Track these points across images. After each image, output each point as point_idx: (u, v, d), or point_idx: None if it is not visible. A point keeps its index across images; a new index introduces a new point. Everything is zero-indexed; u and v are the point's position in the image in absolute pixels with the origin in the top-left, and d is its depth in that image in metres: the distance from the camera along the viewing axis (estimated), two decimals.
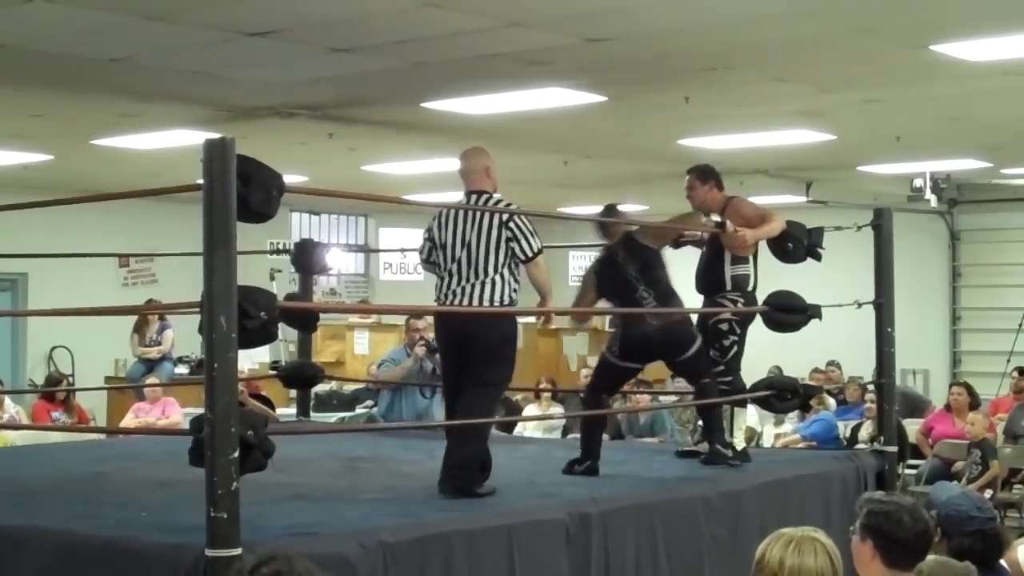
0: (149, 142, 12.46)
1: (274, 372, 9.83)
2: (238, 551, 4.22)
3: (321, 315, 10.03)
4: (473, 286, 6.14)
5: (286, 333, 10.78)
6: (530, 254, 6.18)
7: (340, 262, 20.13)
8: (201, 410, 4.51)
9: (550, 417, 13.03)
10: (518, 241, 6.15)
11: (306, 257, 9.09)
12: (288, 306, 6.42)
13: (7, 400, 13.09)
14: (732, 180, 15.65)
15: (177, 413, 12.60)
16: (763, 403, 7.81)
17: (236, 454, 4.32)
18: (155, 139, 12.30)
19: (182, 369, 15.59)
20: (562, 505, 5.78)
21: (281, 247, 11.72)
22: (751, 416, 13.09)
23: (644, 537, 5.99)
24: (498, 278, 6.14)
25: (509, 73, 9.28)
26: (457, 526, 5.24)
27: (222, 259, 4.37)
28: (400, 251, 19.31)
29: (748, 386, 7.44)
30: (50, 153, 13.40)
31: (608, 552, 5.76)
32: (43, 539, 4.96)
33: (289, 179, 4.87)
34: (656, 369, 11.92)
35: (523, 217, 6.25)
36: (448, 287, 6.23)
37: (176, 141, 12.18)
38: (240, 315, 4.41)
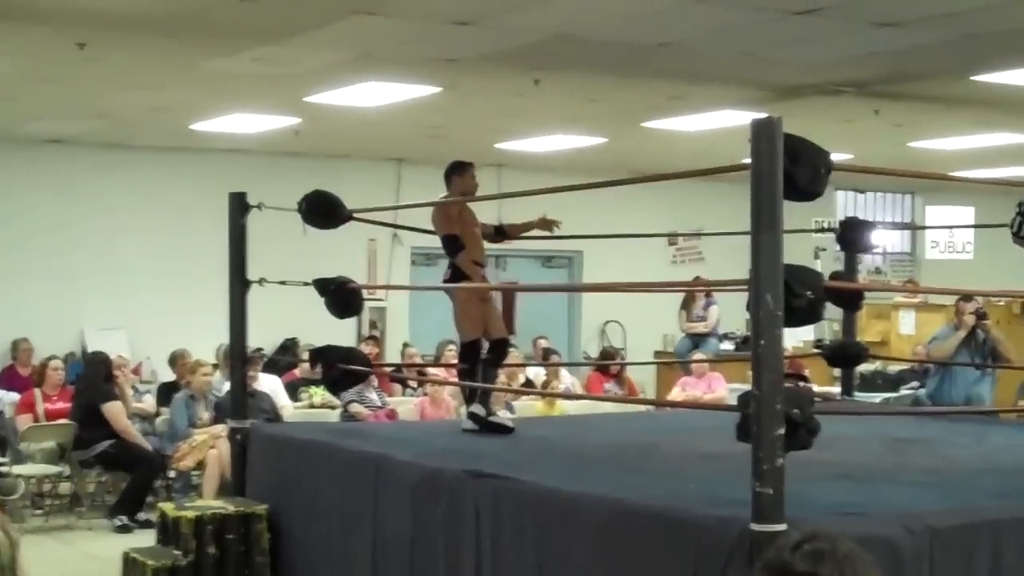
0: (696, 123, 12.73)
1: (818, 350, 9.81)
2: (783, 527, 4.27)
3: (866, 294, 9.90)
4: None
5: (830, 312, 10.72)
6: None
7: (885, 240, 19.73)
8: (746, 386, 4.60)
9: None
10: None
11: (852, 235, 9.02)
12: (834, 285, 6.41)
13: (564, 371, 13.79)
14: None
15: (723, 388, 12.81)
16: None
17: (782, 431, 4.38)
18: (702, 120, 12.54)
19: (727, 345, 15.82)
20: None
21: (826, 225, 11.61)
22: None
23: None
24: None
25: None
26: (1009, 514, 5.05)
27: (769, 238, 4.43)
28: (948, 228, 18.68)
29: None
30: (604, 136, 13.98)
31: None
32: (596, 504, 5.20)
33: (835, 157, 4.86)
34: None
35: None
36: None
37: (722, 122, 12.36)
38: (786, 293, 4.46)
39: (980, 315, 10.35)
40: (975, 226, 18.00)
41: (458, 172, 7.65)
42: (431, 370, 13.17)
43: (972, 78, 10.24)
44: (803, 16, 8.19)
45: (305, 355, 11.20)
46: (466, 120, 12.83)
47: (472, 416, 7.60)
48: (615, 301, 16.76)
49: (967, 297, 10.78)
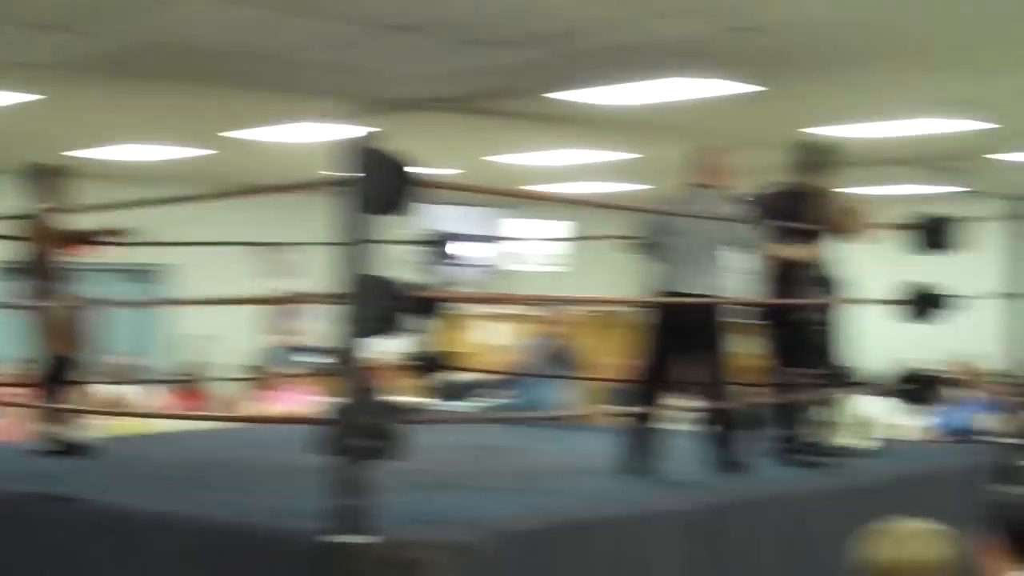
0: (290, 136, 12.64)
1: (405, 361, 9.91)
2: (367, 539, 4.27)
3: (451, 305, 10.09)
4: (702, 274, 6.53)
5: (417, 323, 10.86)
6: (753, 246, 6.73)
7: (471, 253, 20.21)
8: (334, 399, 4.57)
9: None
10: (738, 231, 6.63)
11: (439, 248, 9.16)
12: (422, 295, 6.47)
13: (149, 388, 13.40)
14: (878, 170, 15.49)
15: (311, 401, 12.75)
16: (898, 394, 7.69)
17: (368, 442, 4.37)
18: (296, 133, 12.47)
19: (316, 358, 15.79)
20: (697, 497, 5.75)
21: (414, 238, 11.77)
22: (880, 408, 12.89)
23: (783, 530, 5.94)
24: (724, 266, 6.57)
25: (649, 63, 9.21)
26: (593, 516, 5.24)
27: (357, 250, 4.44)
28: (531, 241, 19.37)
29: (886, 379, 7.33)
30: (195, 147, 13.68)
31: (739, 545, 5.71)
32: (179, 524, 5.07)
33: (423, 172, 4.90)
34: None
35: (746, 208, 6.76)
36: (677, 275, 6.58)
37: (316, 135, 12.33)
38: (373, 305, 4.47)
39: (558, 328, 10.81)
40: (557, 239, 18.75)
41: (44, 178, 7.39)
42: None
43: (550, 96, 10.60)
44: (395, 31, 8.26)
45: None
46: (43, 128, 12.26)
47: (49, 436, 7.27)
48: (203, 315, 16.39)
49: (549, 309, 11.19)
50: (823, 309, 7.12)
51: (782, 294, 6.94)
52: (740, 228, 6.66)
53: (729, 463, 6.47)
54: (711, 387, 6.63)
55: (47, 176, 7.37)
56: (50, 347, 7.34)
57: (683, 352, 6.58)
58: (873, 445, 7.63)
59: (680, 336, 6.54)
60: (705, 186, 6.78)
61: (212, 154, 14.06)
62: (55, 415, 7.29)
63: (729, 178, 6.83)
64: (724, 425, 6.56)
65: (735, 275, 6.73)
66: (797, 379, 7.01)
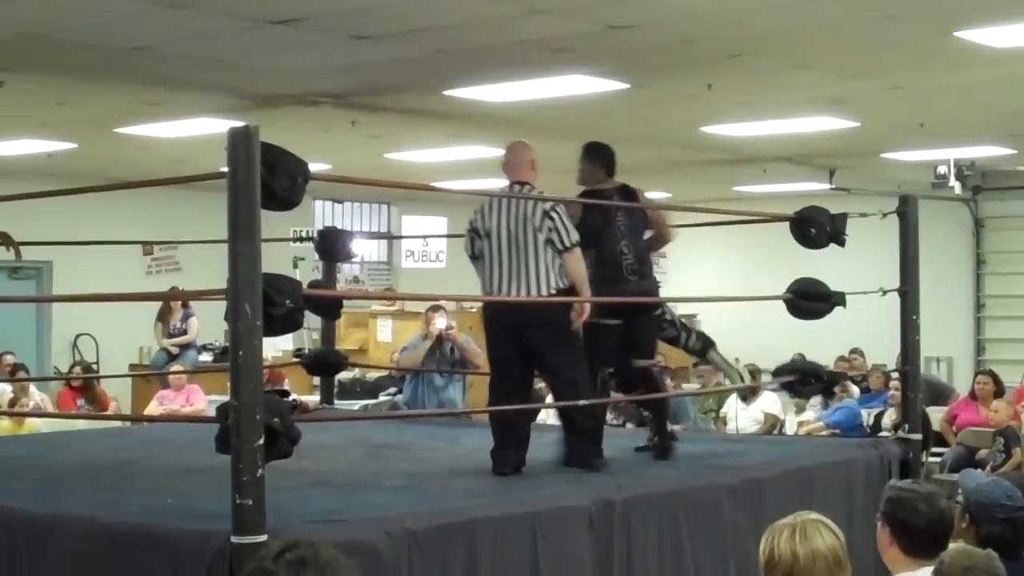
0: (173, 130, 12.50)
1: (298, 360, 9.86)
2: (263, 538, 4.24)
3: (344, 303, 10.04)
4: (523, 275, 6.26)
5: (310, 321, 10.80)
6: (568, 244, 6.28)
7: (363, 250, 20.16)
8: (226, 398, 4.53)
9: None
10: (558, 232, 6.26)
11: (330, 245, 9.10)
12: (313, 293, 6.42)
13: (32, 388, 13.17)
14: (755, 167, 15.78)
15: (202, 400, 12.64)
16: (787, 388, 7.80)
17: (262, 441, 4.34)
18: (179, 127, 12.34)
19: (206, 357, 15.64)
20: (586, 492, 5.78)
21: (305, 235, 11.70)
22: (773, 403, 13.11)
23: (667, 525, 6.00)
24: (545, 266, 6.26)
25: (531, 60, 9.28)
26: (481, 513, 5.25)
27: (247, 247, 4.38)
28: (422, 238, 19.35)
29: (772, 371, 7.42)
30: (74, 141, 13.45)
31: (630, 540, 5.77)
32: (69, 525, 4.98)
33: (313, 167, 4.88)
34: (678, 357, 11.93)
35: (561, 208, 6.37)
36: (498, 277, 6.33)
37: (200, 129, 12.21)
38: (265, 303, 4.43)
39: (447, 328, 10.82)
40: (447, 236, 18.75)
41: None
42: None
43: (444, 92, 10.62)
44: (280, 26, 8.21)
45: None
46: None
47: None
48: (88, 313, 16.13)
49: (435, 307, 11.18)
50: (650, 309, 7.10)
51: (604, 293, 6.65)
52: (553, 227, 6.27)
53: (583, 460, 6.38)
54: (557, 386, 6.60)
55: None
56: None
57: (523, 355, 6.39)
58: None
59: (513, 340, 6.34)
60: (520, 183, 6.46)
61: (73, 148, 13.82)
62: None
63: (534, 174, 6.48)
64: (576, 422, 6.48)
65: (556, 275, 6.27)
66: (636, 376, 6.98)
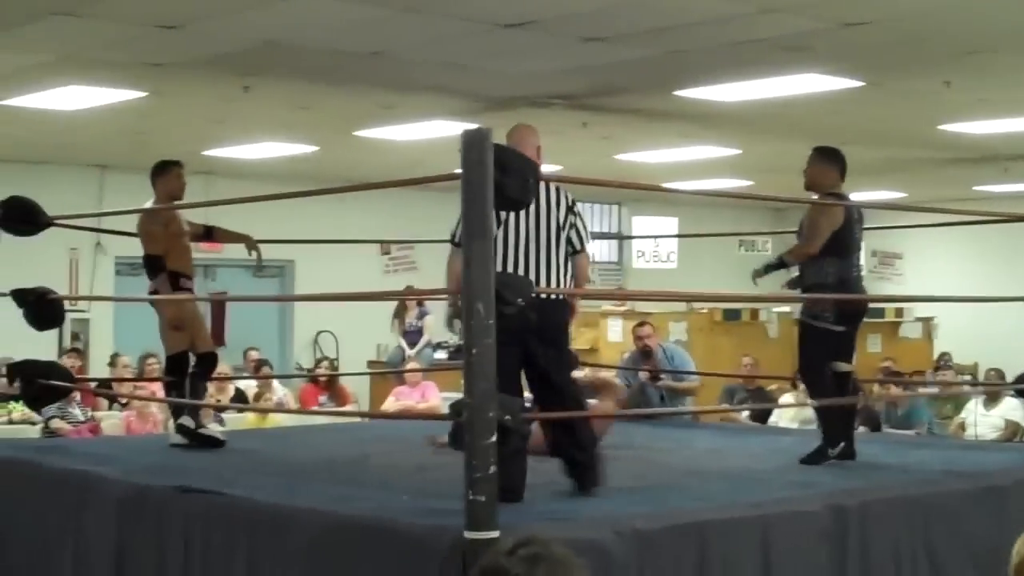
0: (408, 133, 12.75)
1: None
2: (496, 534, 4.28)
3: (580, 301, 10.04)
4: (539, 271, 5.68)
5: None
6: (584, 246, 5.88)
7: (594, 250, 20.20)
8: (460, 395, 4.60)
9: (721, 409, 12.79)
10: (578, 230, 5.84)
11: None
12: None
13: (276, 383, 13.62)
14: (996, 166, 15.25)
15: (436, 397, 12.88)
16: None
17: (494, 438, 4.39)
18: (413, 130, 12.57)
19: (441, 354, 15.92)
20: (818, 497, 5.69)
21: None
22: (1015, 409, 12.64)
23: (904, 532, 5.85)
24: (558, 264, 5.77)
25: (764, 60, 9.17)
26: (711, 516, 5.21)
27: (480, 247, 4.44)
28: (653, 238, 19.28)
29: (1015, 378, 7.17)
30: (315, 144, 13.86)
31: (866, 547, 5.64)
32: (308, 518, 5.12)
33: (544, 168, 4.91)
34: (915, 360, 11.63)
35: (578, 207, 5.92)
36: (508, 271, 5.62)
37: (434, 132, 12.43)
38: (497, 302, 4.48)
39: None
40: (678, 236, 18.66)
41: (162, 173, 7.51)
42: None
43: (675, 93, 10.58)
44: (513, 29, 8.30)
45: (2, 369, 10.73)
46: (173, 126, 12.52)
47: (181, 430, 7.42)
48: (328, 311, 16.61)
49: (641, 323, 10.90)
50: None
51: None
52: (576, 224, 5.82)
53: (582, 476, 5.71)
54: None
55: (169, 172, 7.50)
56: (178, 342, 7.47)
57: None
58: None
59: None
60: None
61: (315, 151, 14.22)
62: (188, 409, 7.43)
63: (539, 160, 5.67)
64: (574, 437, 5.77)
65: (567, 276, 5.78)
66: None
